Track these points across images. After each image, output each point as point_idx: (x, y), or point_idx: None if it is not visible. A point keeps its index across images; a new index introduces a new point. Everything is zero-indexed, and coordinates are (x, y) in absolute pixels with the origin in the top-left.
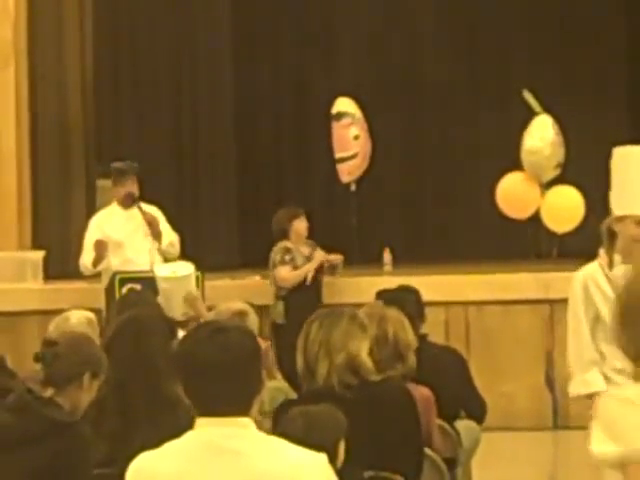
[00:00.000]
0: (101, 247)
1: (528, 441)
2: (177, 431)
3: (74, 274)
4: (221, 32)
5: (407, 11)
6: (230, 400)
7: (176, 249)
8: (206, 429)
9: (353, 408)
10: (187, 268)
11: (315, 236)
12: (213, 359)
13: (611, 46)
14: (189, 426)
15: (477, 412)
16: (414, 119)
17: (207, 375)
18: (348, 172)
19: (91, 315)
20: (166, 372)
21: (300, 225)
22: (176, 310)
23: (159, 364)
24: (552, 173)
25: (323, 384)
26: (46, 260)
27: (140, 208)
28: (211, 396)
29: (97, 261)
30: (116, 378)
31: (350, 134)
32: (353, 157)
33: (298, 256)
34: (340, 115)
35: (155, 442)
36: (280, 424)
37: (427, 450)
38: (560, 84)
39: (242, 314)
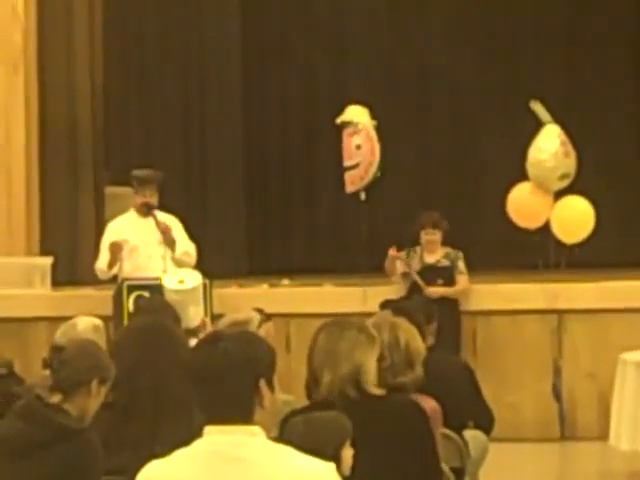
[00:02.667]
0: (116, 248)
1: (535, 452)
2: (193, 438)
3: (82, 280)
4: (231, 40)
5: (416, 21)
6: (224, 408)
7: (192, 259)
8: (214, 437)
9: (360, 420)
10: (195, 278)
11: (325, 245)
12: (202, 367)
13: (620, 55)
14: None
15: (485, 423)
16: (424, 128)
17: (200, 382)
18: (351, 182)
19: (98, 322)
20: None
21: (423, 238)
22: (186, 321)
23: (179, 371)
24: (558, 184)
25: (327, 395)
26: (54, 266)
27: (155, 217)
28: (207, 403)
29: (112, 263)
30: (138, 384)
31: (352, 143)
32: (355, 167)
33: (416, 260)
34: (344, 124)
35: (172, 449)
36: (283, 431)
37: None
38: (570, 94)
39: (244, 323)
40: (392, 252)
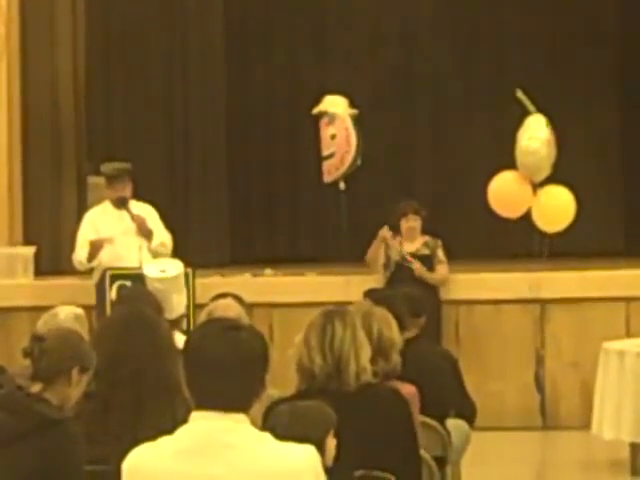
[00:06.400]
0: (97, 245)
1: (517, 440)
2: (176, 427)
3: (65, 270)
4: (213, 32)
5: (402, 11)
6: (231, 397)
7: (167, 249)
8: (201, 422)
9: (344, 406)
10: (176, 266)
11: (307, 235)
12: (221, 356)
13: (604, 46)
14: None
15: (467, 413)
16: (407, 117)
17: (213, 370)
18: (327, 171)
19: (80, 311)
20: (173, 366)
21: (404, 225)
22: (169, 310)
23: (167, 358)
24: (546, 173)
25: (355, 382)
26: (37, 256)
27: (129, 211)
28: (213, 391)
29: (92, 257)
30: (118, 374)
31: (328, 133)
32: (330, 156)
33: (394, 249)
34: (320, 114)
35: (155, 438)
36: (267, 420)
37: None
38: (552, 83)
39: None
40: (385, 232)
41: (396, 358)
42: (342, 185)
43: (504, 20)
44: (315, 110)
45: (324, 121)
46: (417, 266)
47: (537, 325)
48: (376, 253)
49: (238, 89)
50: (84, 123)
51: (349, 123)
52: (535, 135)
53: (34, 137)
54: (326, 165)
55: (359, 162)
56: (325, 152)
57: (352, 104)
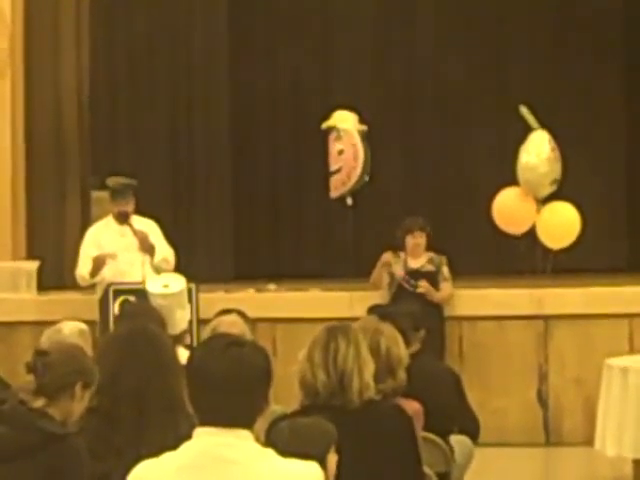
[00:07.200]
0: (100, 261)
1: (520, 457)
2: (180, 443)
3: (68, 285)
4: (218, 46)
5: (406, 24)
6: (234, 413)
7: (170, 265)
8: (204, 438)
9: (347, 422)
10: (179, 281)
11: (311, 250)
12: (225, 372)
13: (609, 61)
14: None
15: (471, 430)
16: (412, 133)
17: (216, 386)
18: (334, 187)
19: (83, 326)
20: (177, 381)
21: (410, 242)
22: (173, 326)
23: (170, 374)
24: (548, 190)
25: (358, 399)
26: (40, 271)
27: (131, 226)
28: (216, 407)
29: (95, 273)
30: (120, 390)
31: (335, 149)
32: (337, 172)
33: (400, 265)
34: (329, 129)
35: (158, 454)
36: (269, 437)
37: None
38: (557, 99)
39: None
40: (389, 257)
41: (402, 375)
42: (349, 201)
43: (508, 36)
44: (324, 125)
45: (332, 136)
46: (424, 284)
47: (540, 341)
48: (379, 277)
49: (243, 104)
50: (88, 137)
51: (357, 139)
52: (536, 151)
53: (38, 152)
54: (333, 180)
55: (367, 178)
56: (332, 167)
57: (361, 120)
